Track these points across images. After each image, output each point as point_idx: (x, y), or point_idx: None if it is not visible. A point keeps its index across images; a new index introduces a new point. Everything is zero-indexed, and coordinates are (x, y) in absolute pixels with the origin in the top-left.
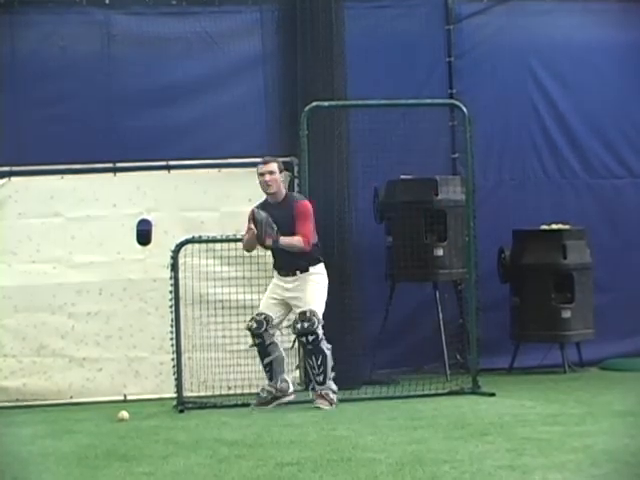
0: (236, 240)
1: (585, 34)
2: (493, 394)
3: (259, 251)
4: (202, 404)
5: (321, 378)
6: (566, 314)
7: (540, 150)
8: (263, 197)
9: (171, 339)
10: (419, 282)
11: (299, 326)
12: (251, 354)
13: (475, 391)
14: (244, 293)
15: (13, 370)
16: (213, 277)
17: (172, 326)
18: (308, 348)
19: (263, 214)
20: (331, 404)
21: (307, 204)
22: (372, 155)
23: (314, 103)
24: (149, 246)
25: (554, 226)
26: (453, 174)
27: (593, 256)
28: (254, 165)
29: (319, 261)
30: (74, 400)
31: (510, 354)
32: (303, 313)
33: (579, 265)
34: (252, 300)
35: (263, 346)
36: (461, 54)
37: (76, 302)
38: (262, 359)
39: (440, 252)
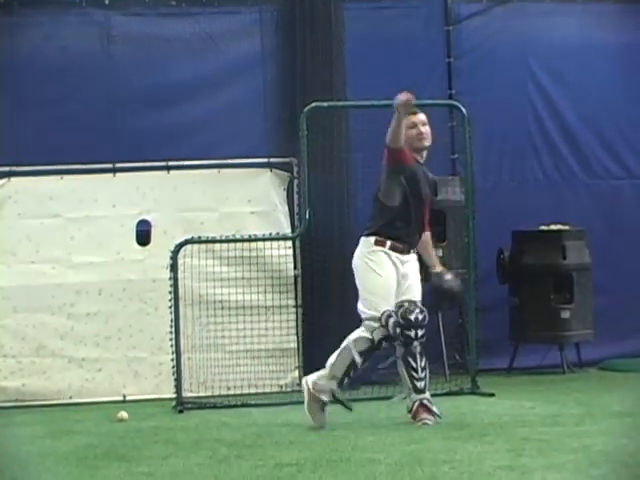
0: (236, 241)
1: (584, 35)
2: (492, 394)
3: (258, 251)
4: (201, 404)
5: (422, 384)
6: (565, 315)
7: (539, 151)
8: (262, 199)
9: (170, 339)
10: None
11: (413, 317)
12: (250, 355)
13: (474, 391)
14: (243, 294)
15: (12, 370)
16: (212, 278)
17: (171, 326)
18: (414, 345)
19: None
20: (434, 416)
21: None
22: (371, 155)
23: (313, 104)
24: (148, 247)
25: (553, 227)
26: (452, 175)
27: (592, 257)
28: (254, 166)
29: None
30: (73, 400)
31: (509, 355)
32: (414, 302)
33: (578, 266)
34: (252, 301)
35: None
36: (460, 55)
37: (75, 302)
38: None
39: (440, 252)
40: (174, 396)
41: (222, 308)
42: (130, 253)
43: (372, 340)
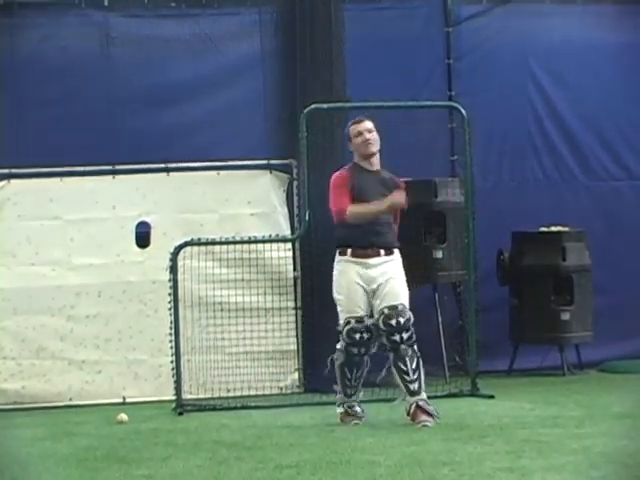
0: (235, 242)
1: (584, 36)
2: (492, 396)
3: (258, 253)
4: (201, 406)
5: (416, 386)
6: (565, 316)
7: (539, 152)
8: (261, 201)
9: (170, 341)
10: (418, 284)
11: (394, 322)
12: (250, 357)
13: (474, 393)
14: (243, 295)
15: (12, 372)
16: (212, 279)
17: (171, 328)
18: (402, 348)
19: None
20: (432, 416)
21: (403, 184)
22: None
23: (313, 105)
24: (148, 248)
25: (553, 228)
26: (452, 176)
27: (592, 258)
28: (253, 167)
29: (399, 248)
30: (73, 402)
31: (509, 356)
32: (394, 307)
33: (578, 267)
34: (251, 302)
35: (364, 359)
36: (460, 56)
37: (75, 304)
38: (356, 372)
39: (439, 254)
40: (174, 398)
41: (222, 310)
42: (130, 255)
43: (342, 351)
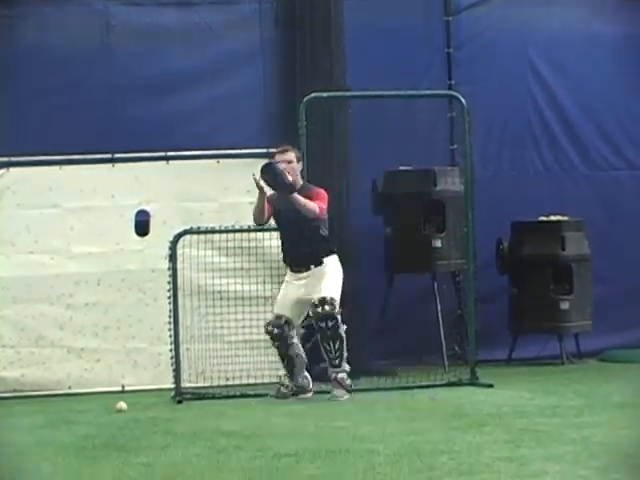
0: (235, 231)
1: (584, 25)
2: (491, 385)
3: (258, 242)
4: (200, 395)
5: (337, 361)
6: (564, 305)
7: (539, 141)
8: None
9: (169, 330)
10: (418, 273)
11: (320, 310)
12: (249, 345)
13: (473, 382)
14: (242, 284)
15: (11, 361)
16: (211, 268)
17: (170, 317)
18: (327, 333)
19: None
20: (348, 391)
21: (323, 191)
22: (371, 146)
23: (313, 94)
24: (147, 237)
25: (553, 217)
26: (452, 165)
27: (592, 247)
28: (253, 156)
29: (332, 252)
30: (72, 391)
31: (508, 345)
32: (322, 298)
33: (578, 256)
34: (250, 291)
35: (284, 348)
36: (460, 45)
37: (74, 293)
38: (282, 359)
39: (439, 243)
40: (173, 386)
41: (221, 298)
42: (129, 243)
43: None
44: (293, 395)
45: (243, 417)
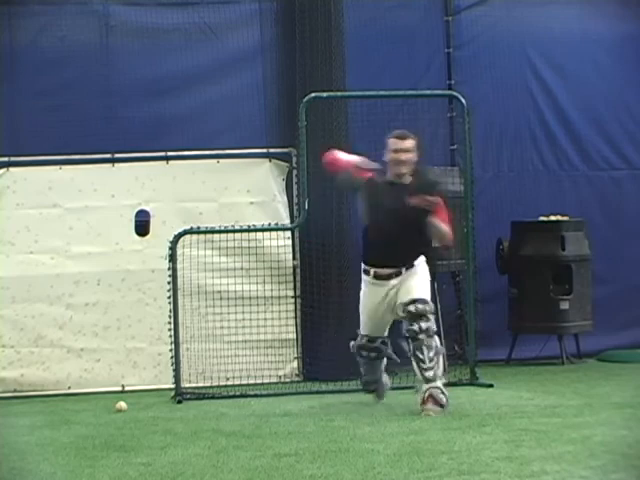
0: (235, 231)
1: (583, 25)
2: (491, 385)
3: (257, 242)
4: (200, 395)
5: (431, 374)
6: (564, 305)
7: (539, 141)
8: (261, 190)
9: (169, 330)
10: None
11: (413, 308)
12: (249, 345)
13: (473, 382)
14: (242, 284)
15: (11, 360)
16: (211, 268)
17: (170, 317)
18: (420, 338)
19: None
20: (442, 407)
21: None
22: (371, 146)
23: (313, 94)
24: (147, 237)
25: (552, 217)
26: (451, 165)
27: (591, 248)
28: (253, 156)
29: (422, 253)
30: (72, 391)
31: (508, 345)
32: (413, 299)
33: (577, 257)
34: (250, 291)
35: (378, 359)
36: (460, 45)
37: (74, 293)
38: (374, 373)
39: (437, 244)
40: (173, 386)
41: (221, 298)
42: (129, 243)
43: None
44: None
45: (243, 417)
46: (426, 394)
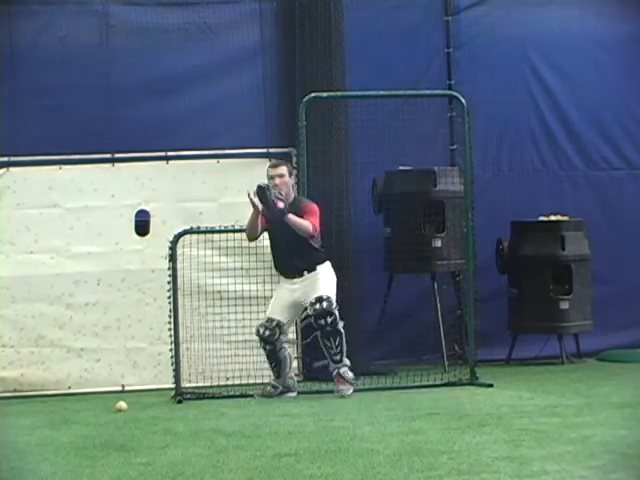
0: (234, 231)
1: (583, 26)
2: (491, 385)
3: (257, 242)
4: (200, 395)
5: (338, 357)
6: (564, 305)
7: (538, 141)
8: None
9: (169, 330)
10: (417, 273)
11: (318, 307)
12: (249, 345)
13: (473, 382)
14: (242, 284)
15: (11, 360)
16: (211, 268)
17: (170, 317)
18: (327, 330)
19: (266, 183)
20: (351, 384)
21: (315, 205)
22: (370, 146)
23: (313, 94)
24: (147, 237)
25: (552, 217)
26: (451, 165)
27: (591, 247)
28: (253, 156)
29: (325, 260)
30: (72, 390)
31: (508, 345)
32: (319, 296)
33: (577, 256)
34: (250, 291)
35: (274, 352)
36: (460, 45)
37: (74, 293)
38: (271, 361)
39: (438, 243)
40: (173, 386)
41: (221, 298)
42: (129, 243)
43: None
44: (279, 394)
45: (243, 417)
46: (335, 373)
